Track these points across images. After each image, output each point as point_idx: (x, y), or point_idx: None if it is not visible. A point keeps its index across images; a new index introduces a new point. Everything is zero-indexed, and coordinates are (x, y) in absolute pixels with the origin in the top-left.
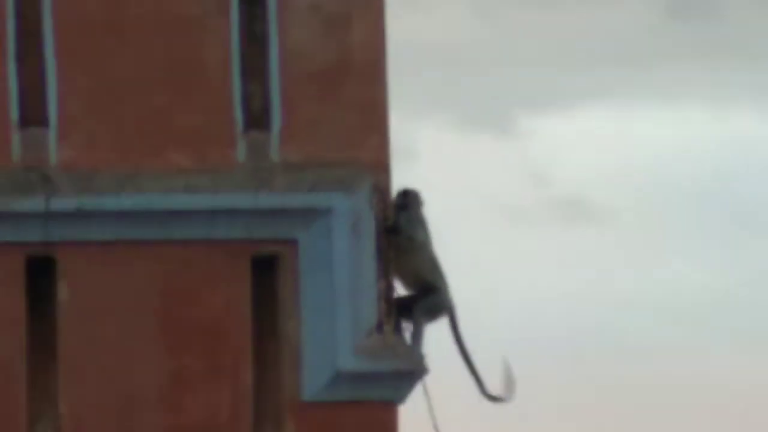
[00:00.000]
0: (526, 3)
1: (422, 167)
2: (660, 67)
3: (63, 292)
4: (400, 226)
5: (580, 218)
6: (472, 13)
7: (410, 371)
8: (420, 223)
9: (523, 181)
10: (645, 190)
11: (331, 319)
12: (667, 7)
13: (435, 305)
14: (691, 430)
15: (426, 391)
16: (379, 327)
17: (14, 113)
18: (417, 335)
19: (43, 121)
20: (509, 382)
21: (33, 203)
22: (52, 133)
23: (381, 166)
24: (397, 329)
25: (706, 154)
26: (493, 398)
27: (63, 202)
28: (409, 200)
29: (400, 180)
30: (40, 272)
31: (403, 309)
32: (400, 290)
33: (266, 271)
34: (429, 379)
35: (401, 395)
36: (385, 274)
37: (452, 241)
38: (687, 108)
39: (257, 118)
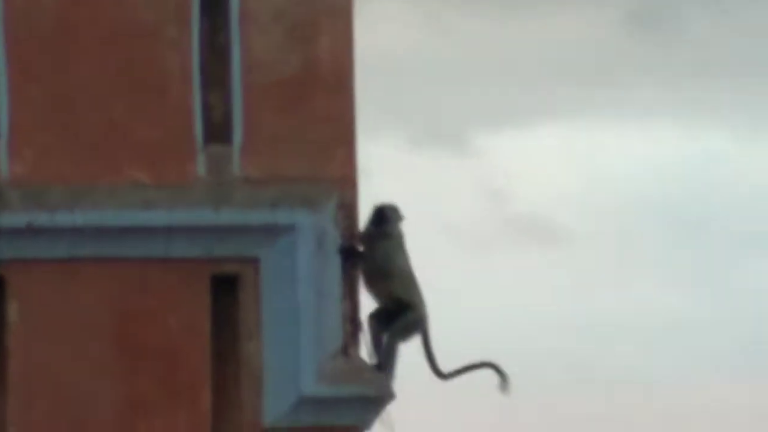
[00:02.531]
0: (483, 17)
1: (374, 185)
2: (623, 83)
3: (13, 312)
4: (374, 255)
5: (538, 239)
6: (425, 26)
7: (376, 396)
8: (397, 243)
9: (478, 201)
10: (607, 209)
11: (294, 341)
12: (627, 21)
13: (411, 323)
14: None
15: (389, 419)
16: (344, 350)
17: None
18: (390, 349)
19: None
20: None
21: None
22: (2, 147)
23: (347, 182)
24: (377, 343)
25: (672, 172)
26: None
27: (13, 218)
28: (384, 219)
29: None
30: None
31: (379, 322)
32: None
33: (226, 290)
34: (393, 406)
35: (367, 421)
36: (350, 294)
37: None
38: (652, 125)
39: (218, 132)
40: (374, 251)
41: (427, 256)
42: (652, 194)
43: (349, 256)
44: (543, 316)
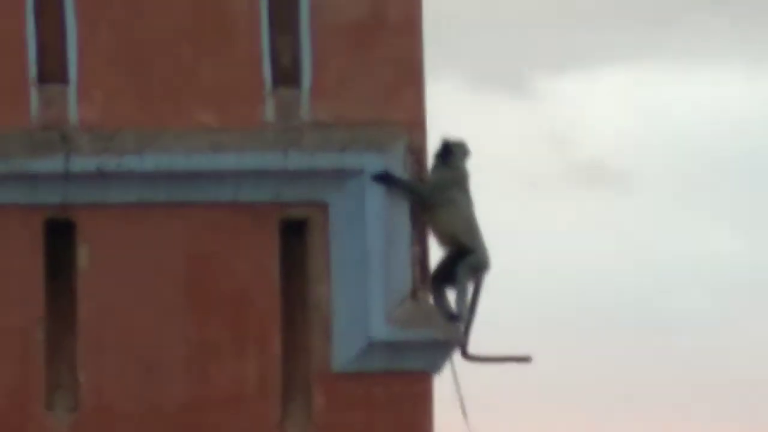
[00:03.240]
0: None
1: (434, 129)
2: (687, 26)
3: (83, 257)
4: (422, 190)
5: (599, 183)
6: None
7: (446, 341)
8: (455, 178)
9: (540, 144)
10: (669, 153)
11: (363, 285)
12: None
13: (477, 263)
14: (713, 404)
15: (453, 365)
16: (414, 294)
17: (32, 69)
18: (461, 295)
19: (62, 78)
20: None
21: (52, 164)
22: (71, 90)
23: (416, 125)
24: (439, 297)
25: (735, 116)
26: (472, 357)
27: (83, 163)
28: (447, 153)
29: None
30: (59, 236)
31: (441, 276)
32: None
33: (295, 235)
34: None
35: (437, 366)
36: (419, 238)
37: None
38: (716, 68)
39: (287, 75)
40: (429, 180)
41: (489, 199)
42: (714, 138)
43: (383, 181)
44: (604, 259)
